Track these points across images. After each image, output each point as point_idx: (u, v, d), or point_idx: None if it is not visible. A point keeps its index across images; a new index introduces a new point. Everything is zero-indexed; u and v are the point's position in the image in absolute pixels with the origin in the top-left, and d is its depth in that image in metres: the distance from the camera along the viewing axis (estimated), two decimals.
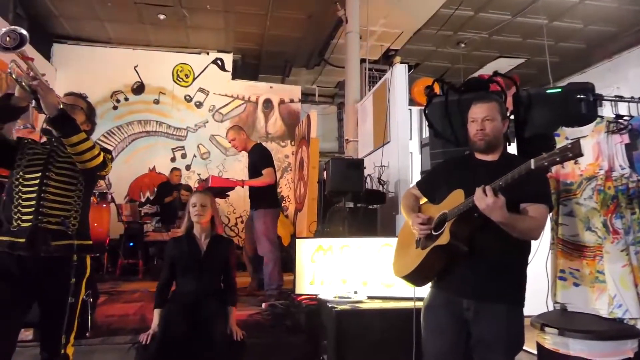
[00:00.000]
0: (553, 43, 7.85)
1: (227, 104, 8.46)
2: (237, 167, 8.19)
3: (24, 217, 1.90)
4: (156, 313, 2.70)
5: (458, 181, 1.86)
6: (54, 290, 1.91)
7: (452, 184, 1.87)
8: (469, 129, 1.96)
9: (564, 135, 2.48)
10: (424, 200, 2.09)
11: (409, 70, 4.92)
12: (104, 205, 5.48)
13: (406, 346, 2.27)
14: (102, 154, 2.02)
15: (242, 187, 4.52)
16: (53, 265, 1.91)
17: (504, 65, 8.72)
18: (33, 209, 1.90)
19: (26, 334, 2.59)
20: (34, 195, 1.92)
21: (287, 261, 4.75)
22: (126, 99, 8.02)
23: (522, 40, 7.97)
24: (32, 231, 1.88)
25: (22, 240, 1.88)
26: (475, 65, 8.94)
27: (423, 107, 3.57)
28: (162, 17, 7.12)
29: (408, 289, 2.14)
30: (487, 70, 8.76)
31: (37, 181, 1.93)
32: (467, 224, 1.75)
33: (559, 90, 2.73)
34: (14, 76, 1.77)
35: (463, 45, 8.16)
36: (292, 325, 3.16)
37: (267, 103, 8.66)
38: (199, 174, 8.08)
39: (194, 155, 8.19)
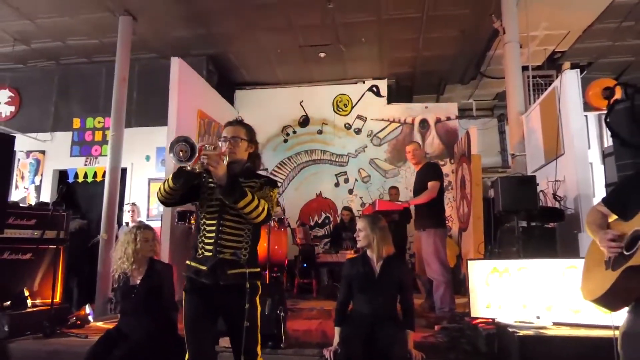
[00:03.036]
0: None
1: (384, 128, 8.76)
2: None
3: (207, 248, 2.25)
4: (337, 331, 2.91)
5: None
6: (231, 316, 2.21)
7: None
8: None
9: None
10: (612, 217, 1.93)
11: (580, 72, 4.49)
12: (282, 230, 6.14)
13: None
14: (265, 208, 2.23)
15: (409, 207, 4.61)
16: (229, 292, 2.20)
17: None
18: (213, 240, 2.24)
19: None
20: (213, 229, 2.25)
21: (454, 283, 4.66)
22: (294, 132, 8.91)
23: None
24: (213, 262, 2.20)
25: (205, 268, 2.21)
26: None
27: (601, 113, 3.27)
28: (322, 55, 7.78)
29: (600, 315, 1.98)
30: None
31: (215, 216, 2.26)
32: None
33: None
34: (189, 168, 2.04)
35: None
36: (471, 349, 3.08)
37: (424, 123, 8.69)
38: (361, 197, 8.46)
39: (356, 180, 8.62)
